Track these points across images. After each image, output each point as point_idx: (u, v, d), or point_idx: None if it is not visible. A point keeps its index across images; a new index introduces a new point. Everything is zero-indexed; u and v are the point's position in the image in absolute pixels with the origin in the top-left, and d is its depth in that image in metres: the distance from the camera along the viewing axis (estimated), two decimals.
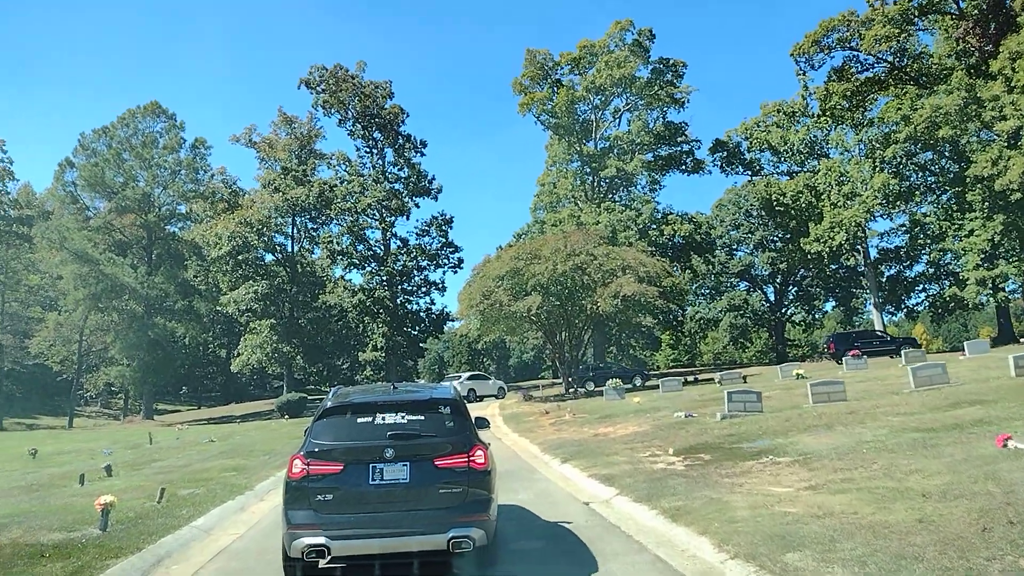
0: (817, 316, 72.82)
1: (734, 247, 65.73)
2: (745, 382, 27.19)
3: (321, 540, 5.80)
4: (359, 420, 6.37)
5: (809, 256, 49.09)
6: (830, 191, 47.84)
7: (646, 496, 8.95)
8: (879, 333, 44.40)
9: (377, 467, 6.06)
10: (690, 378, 35.33)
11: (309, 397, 49.94)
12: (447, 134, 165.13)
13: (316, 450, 6.17)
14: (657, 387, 28.35)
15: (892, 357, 33.75)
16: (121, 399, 72.22)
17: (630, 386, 31.89)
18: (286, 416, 36.19)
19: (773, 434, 13.01)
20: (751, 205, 65.20)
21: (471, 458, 6.25)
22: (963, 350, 28.11)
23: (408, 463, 6.10)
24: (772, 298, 68.15)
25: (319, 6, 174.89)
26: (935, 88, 42.22)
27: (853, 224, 45.91)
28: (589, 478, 11.28)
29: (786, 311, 68.73)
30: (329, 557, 5.87)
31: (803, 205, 49.62)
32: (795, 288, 67.74)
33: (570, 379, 33.87)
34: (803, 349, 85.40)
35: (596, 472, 11.50)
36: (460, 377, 41.63)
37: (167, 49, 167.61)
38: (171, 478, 13.69)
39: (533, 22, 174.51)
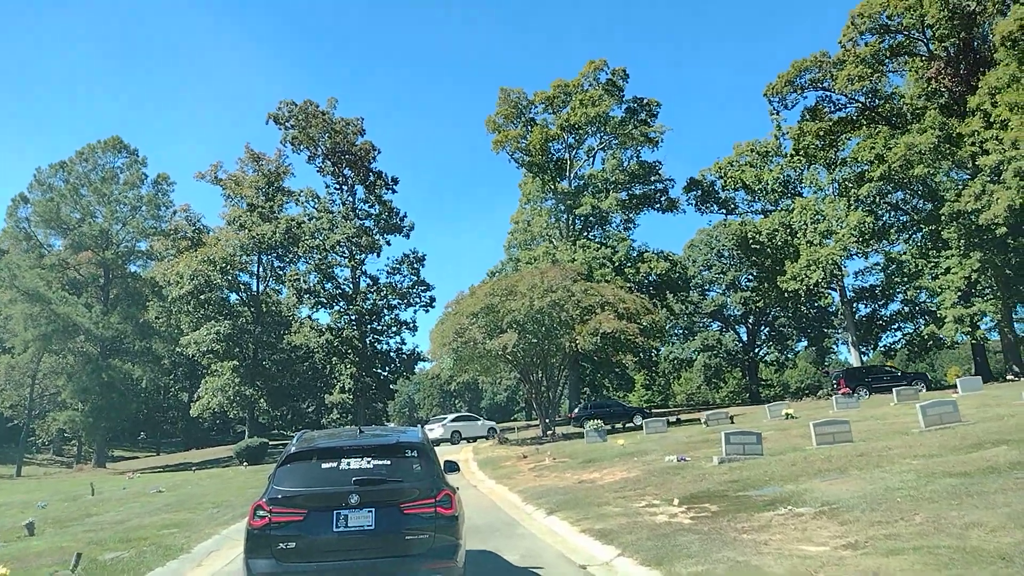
0: (789, 356, 73.00)
1: (706, 287, 65.59)
2: (732, 422, 25.98)
3: None
4: (324, 465, 6.21)
5: (786, 294, 48.58)
6: (805, 229, 47.59)
7: (655, 558, 7.57)
8: (889, 369, 43.36)
9: (342, 514, 5.90)
10: (672, 419, 34.05)
11: (271, 443, 47.64)
12: (419, 173, 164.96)
13: (279, 496, 6.00)
14: (640, 428, 26.94)
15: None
16: (75, 446, 68.76)
17: (610, 428, 30.51)
18: (244, 463, 33.97)
19: (781, 480, 11.72)
20: (723, 245, 65.37)
21: (438, 503, 6.11)
22: (953, 388, 27.23)
23: (374, 509, 5.94)
24: (745, 338, 67.94)
25: (288, 44, 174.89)
26: (908, 127, 42.44)
27: (830, 262, 45.56)
28: (581, 534, 9.85)
29: (759, 351, 68.53)
30: None
31: (779, 243, 49.28)
32: (767, 328, 67.80)
33: (547, 420, 32.36)
34: (775, 389, 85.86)
35: (589, 526, 10.08)
36: (445, 419, 39.69)
37: (131, 86, 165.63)
38: (101, 537, 11.95)
39: (507, 62, 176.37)
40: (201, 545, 10.58)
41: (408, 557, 5.88)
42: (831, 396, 31.40)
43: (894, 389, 26.37)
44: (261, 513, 5.98)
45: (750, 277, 56.21)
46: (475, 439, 35.62)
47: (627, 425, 33.75)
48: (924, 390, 33.22)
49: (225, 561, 9.74)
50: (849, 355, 72.40)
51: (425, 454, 6.51)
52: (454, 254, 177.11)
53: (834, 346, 72.84)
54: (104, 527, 13.46)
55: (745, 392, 73.50)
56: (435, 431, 37.76)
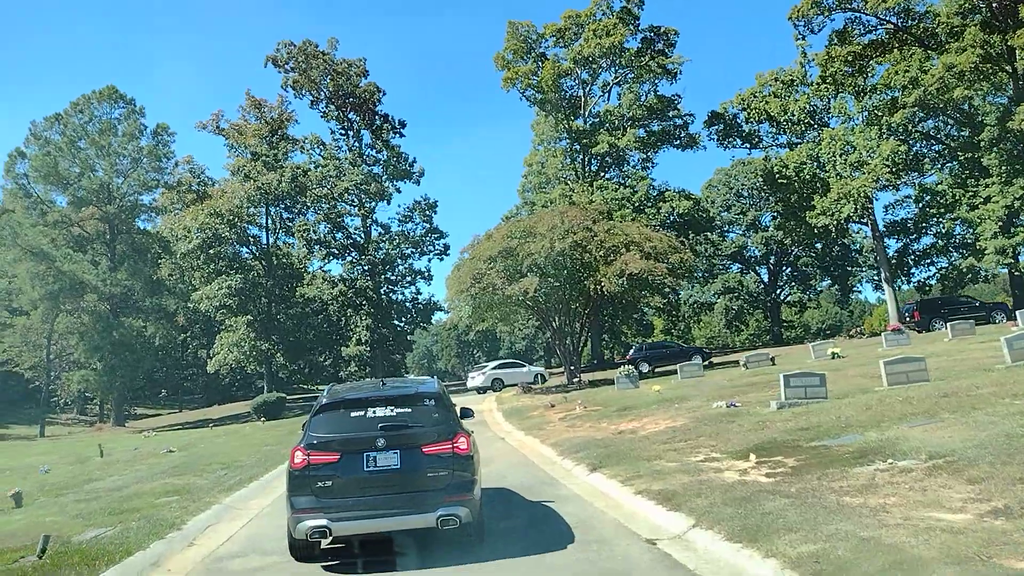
0: (811, 296, 71.43)
1: (726, 228, 63.59)
2: (774, 363, 24.47)
3: (323, 522, 6.37)
4: (352, 414, 6.95)
5: (816, 230, 46.49)
6: (835, 161, 45.18)
7: (745, 532, 6.07)
8: (966, 299, 40.99)
9: (370, 455, 6.58)
10: (704, 362, 32.53)
11: (289, 397, 46.86)
12: (426, 117, 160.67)
13: (315, 442, 6.71)
14: (675, 373, 25.49)
15: (985, 324, 31.22)
16: (97, 405, 68.73)
17: (640, 372, 29.05)
18: (262, 419, 32.97)
19: (860, 427, 10.18)
20: (743, 184, 63.28)
21: (455, 445, 6.78)
22: (1011, 319, 25.45)
23: (398, 451, 6.62)
24: (766, 279, 66.27)
25: None
26: (945, 47, 39.68)
27: (861, 195, 43.34)
28: (637, 496, 8.37)
29: (780, 292, 66.76)
30: (331, 537, 6.56)
31: (806, 177, 46.93)
32: (789, 268, 65.99)
33: (571, 367, 30.94)
34: (797, 330, 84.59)
35: (645, 487, 8.61)
36: (486, 367, 37.88)
37: (124, 34, 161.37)
38: (91, 509, 10.68)
39: None
40: (197, 519, 9.22)
41: (430, 491, 6.56)
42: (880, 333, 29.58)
43: (966, 322, 24.38)
44: (300, 456, 6.66)
45: (776, 214, 53.93)
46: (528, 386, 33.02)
47: (659, 369, 32.25)
48: (1005, 320, 31.31)
49: (222, 539, 8.40)
50: (881, 292, 70.85)
51: (441, 402, 7.21)
52: (467, 201, 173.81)
53: (858, 284, 71.03)
54: (99, 495, 12.22)
55: (767, 334, 72.37)
56: (475, 379, 36.24)
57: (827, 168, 45.83)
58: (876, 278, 67.21)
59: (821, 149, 46.12)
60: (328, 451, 6.61)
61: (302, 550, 6.81)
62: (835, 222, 44.97)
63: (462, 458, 6.79)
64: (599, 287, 27.79)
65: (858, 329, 51.62)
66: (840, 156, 44.92)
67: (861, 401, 12.04)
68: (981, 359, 15.42)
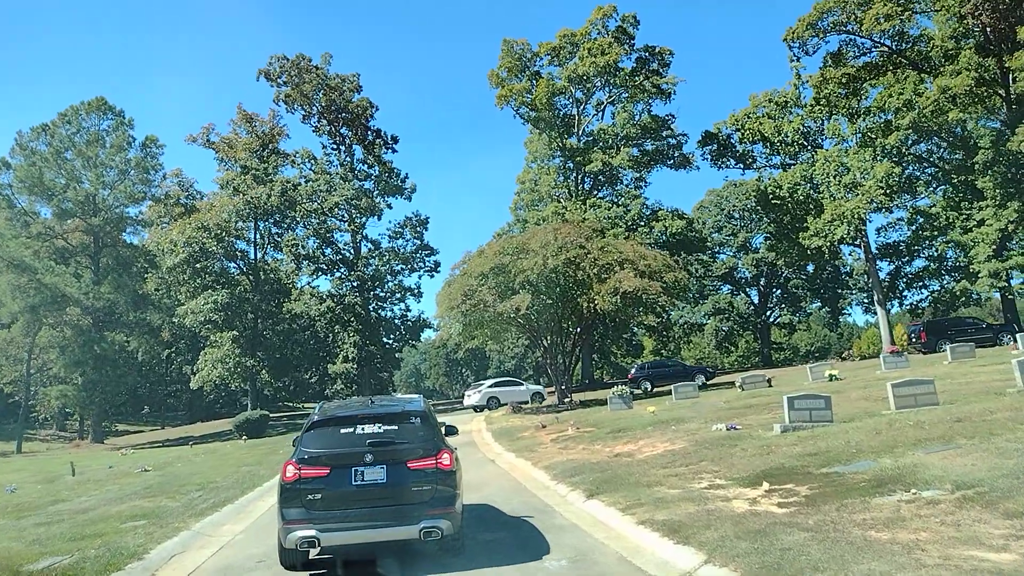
0: (801, 318, 71.47)
1: (716, 250, 63.61)
2: (770, 385, 23.89)
3: (312, 532, 6.65)
4: (342, 430, 7.24)
5: (809, 251, 46.18)
6: (829, 182, 45.03)
7: (764, 570, 5.47)
8: (973, 320, 40.92)
9: (358, 470, 6.86)
10: (707, 381, 31.87)
11: (273, 415, 45.94)
12: (419, 134, 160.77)
13: (306, 456, 6.99)
14: (668, 393, 24.87)
15: (991, 346, 30.75)
16: (77, 421, 67.30)
17: (640, 391, 28.48)
18: (244, 437, 32.01)
19: (873, 452, 9.61)
20: (733, 206, 63.45)
21: (438, 460, 7.05)
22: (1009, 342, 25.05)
23: (385, 466, 6.90)
24: (756, 301, 66.26)
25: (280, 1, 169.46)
26: (941, 70, 39.77)
27: (855, 216, 43.16)
28: (640, 527, 7.75)
29: (771, 314, 66.49)
30: (319, 547, 6.79)
31: (800, 198, 46.70)
32: (779, 290, 66.02)
33: (562, 387, 30.25)
34: (786, 352, 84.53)
35: (648, 516, 7.99)
36: (482, 386, 36.92)
37: (115, 46, 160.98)
38: (50, 533, 9.94)
39: (509, 12, 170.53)
40: (162, 547, 8.50)
41: (414, 504, 6.84)
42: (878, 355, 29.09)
43: (965, 344, 23.94)
44: (292, 470, 6.91)
45: (768, 235, 53.70)
46: (519, 405, 31.63)
47: (655, 390, 31.65)
48: (1013, 343, 30.94)
49: (187, 570, 7.69)
50: (871, 315, 70.65)
51: (426, 420, 7.52)
52: (458, 218, 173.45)
53: (848, 307, 71.14)
54: (63, 518, 11.46)
55: (756, 356, 72.21)
56: (471, 398, 35.28)
57: (821, 189, 45.65)
58: (866, 300, 67.19)
59: (815, 170, 45.98)
60: (318, 465, 6.91)
61: (291, 560, 7.18)
62: (828, 243, 44.73)
63: (445, 473, 7.08)
64: (592, 305, 27.24)
65: (848, 352, 51.32)
66: (834, 177, 44.78)
67: (870, 425, 11.48)
68: (988, 382, 14.92)
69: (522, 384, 37.14)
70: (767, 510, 7.55)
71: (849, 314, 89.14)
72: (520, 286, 27.22)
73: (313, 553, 7.16)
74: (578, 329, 30.64)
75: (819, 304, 67.77)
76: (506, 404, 32.19)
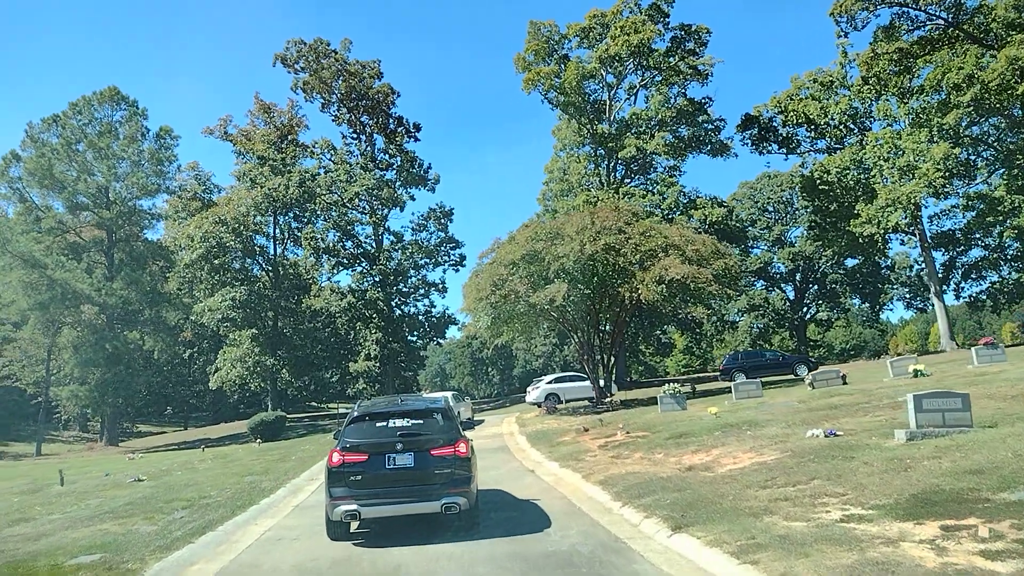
0: (840, 314, 68.53)
1: (750, 244, 60.62)
2: (845, 382, 21.08)
3: (354, 507, 8.14)
4: (377, 424, 8.76)
5: (860, 240, 43.05)
6: (882, 166, 41.90)
7: None
8: None
9: (391, 456, 8.39)
10: (808, 372, 28.88)
11: (294, 416, 43.91)
12: (443, 123, 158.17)
13: (348, 445, 8.51)
14: (727, 392, 22.17)
15: None
16: (99, 422, 66.08)
17: (689, 392, 25.79)
18: (258, 440, 29.79)
19: None
20: (767, 199, 60.62)
21: (456, 449, 8.55)
22: None
23: (413, 453, 8.42)
24: (792, 296, 63.42)
25: None
26: (1007, 40, 36.57)
27: (911, 202, 40.07)
28: None
29: (807, 310, 63.81)
30: (360, 520, 8.37)
31: (850, 183, 43.62)
32: (816, 286, 62.99)
33: (601, 385, 27.67)
34: (821, 350, 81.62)
35: (786, 570, 5.47)
36: (541, 382, 33.50)
37: (129, 38, 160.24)
38: None
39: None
40: None
41: (437, 485, 8.31)
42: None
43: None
44: (337, 457, 8.43)
45: (811, 224, 50.53)
46: (554, 407, 28.35)
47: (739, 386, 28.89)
48: None
49: None
50: (912, 310, 67.24)
51: (447, 415, 9.10)
52: (483, 212, 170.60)
53: (890, 303, 67.99)
54: (4, 549, 9.20)
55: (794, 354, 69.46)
56: (531, 394, 31.82)
57: (873, 173, 42.51)
58: (908, 295, 64.05)
59: (866, 153, 42.86)
60: (359, 452, 8.37)
61: (337, 529, 8.54)
62: (881, 231, 41.63)
63: (462, 459, 8.53)
64: (636, 295, 24.64)
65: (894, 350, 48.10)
66: (887, 160, 41.66)
67: (1021, 431, 8.83)
68: None
69: (585, 379, 33.66)
70: (972, 565, 4.99)
71: (892, 309, 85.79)
72: (555, 275, 24.72)
73: (354, 526, 8.88)
74: (618, 321, 28.02)
75: (859, 300, 64.72)
76: (575, 399, 29.43)
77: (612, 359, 28.82)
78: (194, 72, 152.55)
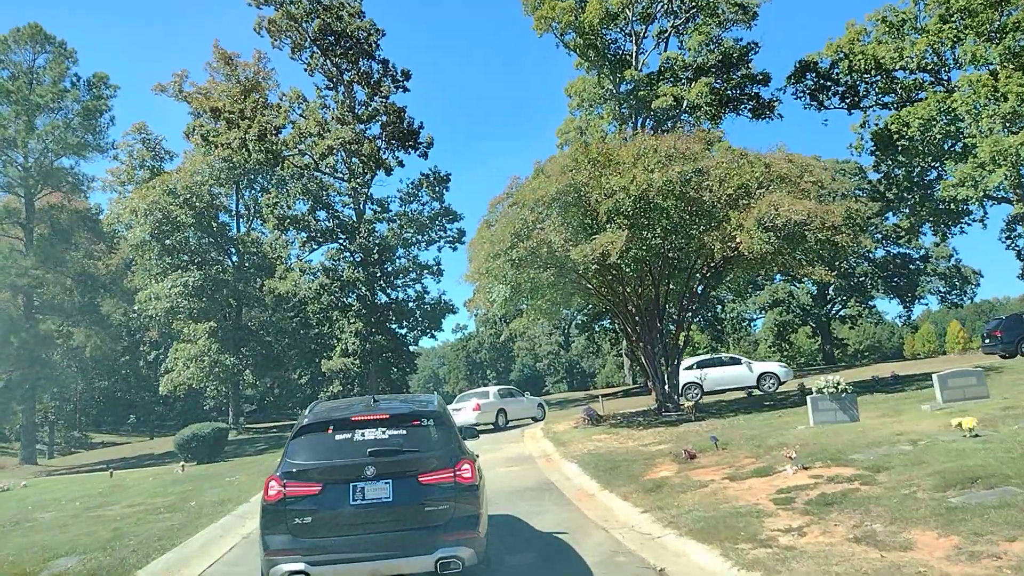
0: (867, 309, 62.16)
1: None
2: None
3: (300, 566, 5.27)
4: (338, 437, 5.77)
5: (951, 205, 35.19)
6: (979, 115, 34.02)
7: None
8: None
9: (358, 486, 5.51)
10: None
11: (258, 426, 35.52)
12: (438, 91, 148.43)
13: (293, 470, 5.60)
14: (899, 391, 14.04)
15: None
16: (46, 433, 57.74)
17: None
18: (182, 465, 20.90)
19: None
20: None
21: (457, 473, 5.67)
22: None
23: (390, 481, 5.55)
24: (814, 291, 57.05)
25: None
26: None
27: (1019, 157, 32.25)
28: None
29: (832, 306, 58.66)
30: None
31: (936, 137, 35.72)
32: (843, 280, 55.92)
33: (665, 386, 19.38)
34: (848, 349, 77.58)
35: None
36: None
37: None
38: None
39: None
40: None
41: (428, 529, 5.48)
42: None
43: None
44: (275, 488, 5.53)
45: (877, 191, 42.61)
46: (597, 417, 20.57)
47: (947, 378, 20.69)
48: None
49: None
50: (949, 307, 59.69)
51: (442, 422, 6.06)
52: (483, 190, 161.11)
53: (923, 297, 61.25)
54: None
55: (818, 352, 63.02)
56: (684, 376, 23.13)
57: (967, 125, 34.64)
58: (944, 289, 56.78)
59: (956, 101, 34.98)
60: (308, 481, 5.53)
61: None
62: (979, 194, 33.81)
63: (466, 488, 5.66)
64: (729, 246, 16.47)
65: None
66: (985, 107, 33.80)
67: None
68: None
69: (740, 362, 25.62)
70: None
71: (926, 304, 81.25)
72: (608, 217, 16.56)
73: None
74: (689, 292, 19.80)
75: (889, 296, 57.86)
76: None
77: (682, 344, 20.43)
78: (143, 15, 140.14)
